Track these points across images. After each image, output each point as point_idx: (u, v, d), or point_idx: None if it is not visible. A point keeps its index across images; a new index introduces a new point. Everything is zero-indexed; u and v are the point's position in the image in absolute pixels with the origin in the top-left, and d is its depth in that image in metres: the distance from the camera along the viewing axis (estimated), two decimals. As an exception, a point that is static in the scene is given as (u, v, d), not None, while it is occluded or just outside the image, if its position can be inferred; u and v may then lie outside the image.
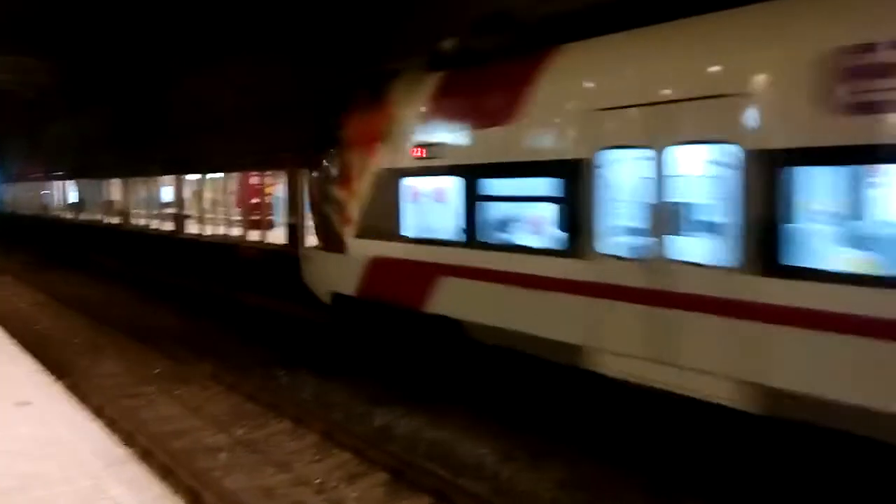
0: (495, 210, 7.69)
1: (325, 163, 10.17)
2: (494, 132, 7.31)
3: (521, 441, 7.72)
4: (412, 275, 8.32)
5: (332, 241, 9.85)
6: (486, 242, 7.54)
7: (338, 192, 9.70)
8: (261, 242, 18.12)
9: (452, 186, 7.94)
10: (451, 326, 7.88)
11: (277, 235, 17.79)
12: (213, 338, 13.45)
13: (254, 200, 19.80)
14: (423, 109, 8.36)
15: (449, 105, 8.07)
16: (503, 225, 7.75)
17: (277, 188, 20.76)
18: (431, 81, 8.34)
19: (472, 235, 7.63)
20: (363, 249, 9.16)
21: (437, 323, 8.07)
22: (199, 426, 8.72)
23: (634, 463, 6.87)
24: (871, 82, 4.57)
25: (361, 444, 7.76)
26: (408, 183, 8.56)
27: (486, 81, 7.66)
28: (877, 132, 4.58)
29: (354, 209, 9.32)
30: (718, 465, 6.18)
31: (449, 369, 8.61)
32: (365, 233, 9.17)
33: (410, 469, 7.07)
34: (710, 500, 6.19)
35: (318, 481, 7.03)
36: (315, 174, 10.73)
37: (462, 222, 7.73)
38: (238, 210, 20.24)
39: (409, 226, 8.54)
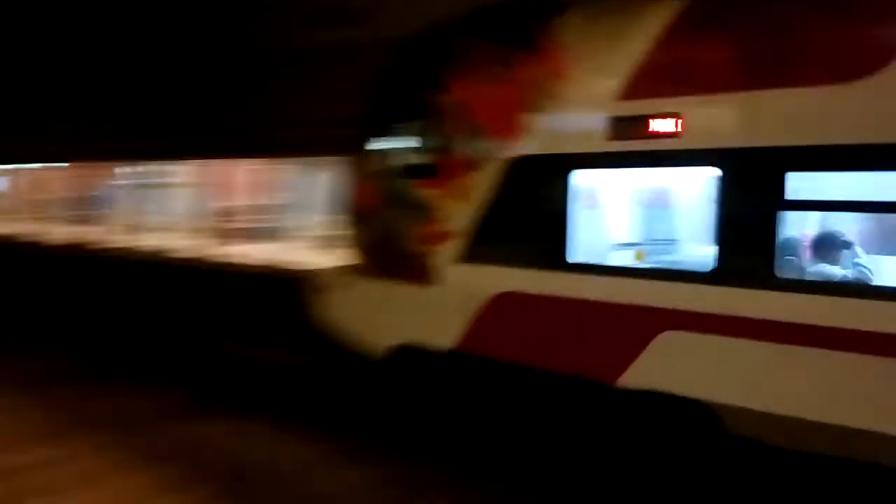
0: (831, 224, 5.06)
1: (392, 146, 7.11)
2: (825, 95, 4.46)
3: (332, 445, 7.43)
4: (596, 324, 5.47)
5: (400, 264, 6.81)
6: (799, 281, 4.83)
7: (421, 191, 6.71)
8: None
9: (717, 185, 4.92)
10: (679, 411, 5.11)
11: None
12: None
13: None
14: (638, 61, 5.33)
15: (709, 51, 5.05)
16: (842, 250, 4.99)
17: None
18: (658, 15, 5.30)
19: (763, 267, 4.69)
20: (478, 281, 6.20)
21: (642, 402, 5.31)
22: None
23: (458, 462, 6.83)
24: None
25: (154, 459, 7.00)
26: (592, 178, 5.80)
27: (803, 12, 4.73)
28: None
29: (460, 217, 6.36)
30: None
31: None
32: (483, 255, 6.23)
33: (202, 482, 6.49)
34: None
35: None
36: (365, 162, 7.41)
37: (736, 244, 4.82)
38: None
39: (593, 246, 5.85)
